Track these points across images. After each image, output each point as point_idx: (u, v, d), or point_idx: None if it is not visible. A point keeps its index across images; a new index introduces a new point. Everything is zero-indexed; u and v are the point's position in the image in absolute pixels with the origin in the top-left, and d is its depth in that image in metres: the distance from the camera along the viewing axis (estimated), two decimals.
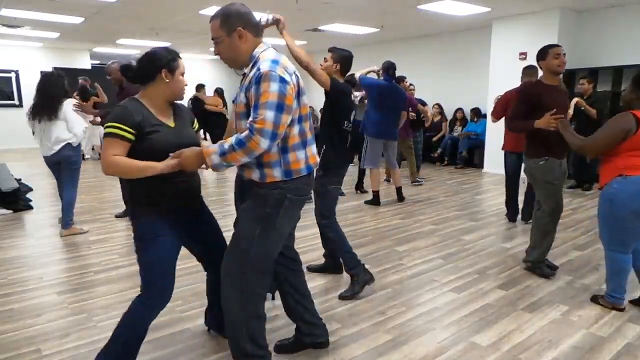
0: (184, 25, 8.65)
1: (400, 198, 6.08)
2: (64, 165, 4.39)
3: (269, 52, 1.91)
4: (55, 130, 4.25)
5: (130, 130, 1.89)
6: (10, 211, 5.38)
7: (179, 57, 2.07)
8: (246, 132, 1.76)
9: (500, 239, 4.43)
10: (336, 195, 3.24)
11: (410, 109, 6.68)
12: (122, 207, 5.20)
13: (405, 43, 10.73)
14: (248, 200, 2.01)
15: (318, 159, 2.11)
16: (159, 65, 1.98)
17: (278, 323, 2.70)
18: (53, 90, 4.25)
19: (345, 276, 3.46)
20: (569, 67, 7.52)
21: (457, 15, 7.80)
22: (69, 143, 4.32)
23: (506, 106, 4.80)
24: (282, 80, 1.79)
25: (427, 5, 7.12)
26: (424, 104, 7.88)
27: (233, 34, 1.88)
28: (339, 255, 3.27)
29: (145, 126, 1.92)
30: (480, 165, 8.77)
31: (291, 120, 1.87)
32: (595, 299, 3.01)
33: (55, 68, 11.13)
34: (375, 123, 5.54)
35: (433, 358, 2.36)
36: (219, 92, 9.79)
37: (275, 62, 1.84)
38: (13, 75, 11.86)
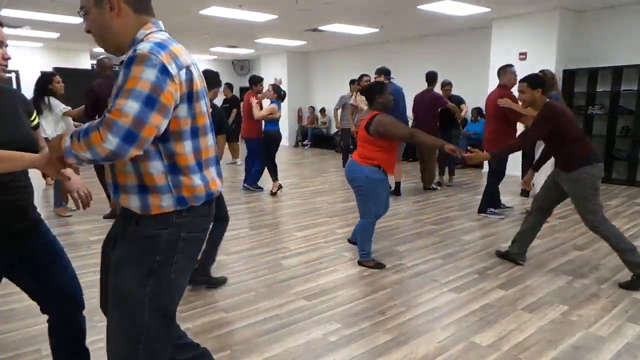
0: (184, 25, 8.66)
1: (397, 192, 6.37)
2: None
3: (159, 35, 1.41)
4: None
5: None
6: None
7: None
8: (97, 121, 1.27)
9: (500, 239, 4.43)
10: None
11: (439, 109, 6.63)
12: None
13: (405, 43, 10.74)
14: (125, 246, 1.46)
15: (220, 184, 1.57)
16: None
17: None
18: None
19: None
20: (569, 67, 7.56)
21: (457, 15, 7.80)
22: None
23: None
24: (163, 71, 1.29)
25: (427, 5, 7.12)
26: (460, 101, 7.40)
27: (102, 3, 1.41)
28: None
29: None
30: (480, 165, 8.78)
31: (178, 134, 1.39)
32: (361, 263, 3.69)
33: (55, 68, 11.13)
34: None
35: (433, 358, 2.36)
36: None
37: (161, 45, 1.34)
38: (13, 75, 11.87)
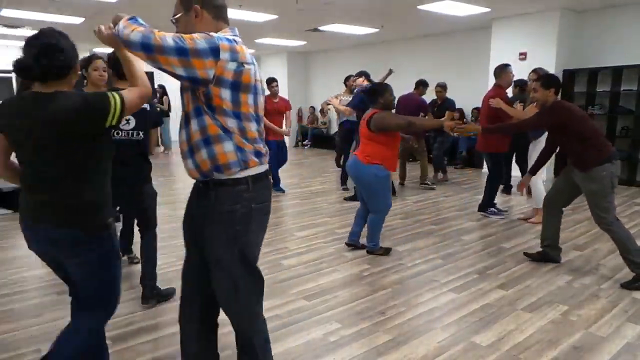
0: None
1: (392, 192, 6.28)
2: None
3: (233, 37, 1.72)
4: None
5: None
6: (10, 211, 5.39)
7: None
8: (144, 26, 1.63)
9: (500, 239, 4.43)
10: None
11: (421, 112, 6.70)
12: None
13: (405, 43, 10.73)
14: (209, 223, 1.78)
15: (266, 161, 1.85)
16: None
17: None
18: None
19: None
20: (569, 67, 7.56)
21: (457, 15, 7.80)
22: None
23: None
24: (214, 50, 1.59)
25: (427, 5, 7.12)
26: (451, 107, 7.42)
27: (189, 12, 1.74)
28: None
29: None
30: (480, 165, 8.78)
31: (221, 110, 1.67)
32: (372, 252, 3.93)
33: None
34: None
35: (433, 358, 2.36)
36: None
37: (228, 40, 1.65)
38: (13, 75, 11.88)
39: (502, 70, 5.02)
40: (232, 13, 7.49)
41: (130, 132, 2.82)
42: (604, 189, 3.26)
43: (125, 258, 3.72)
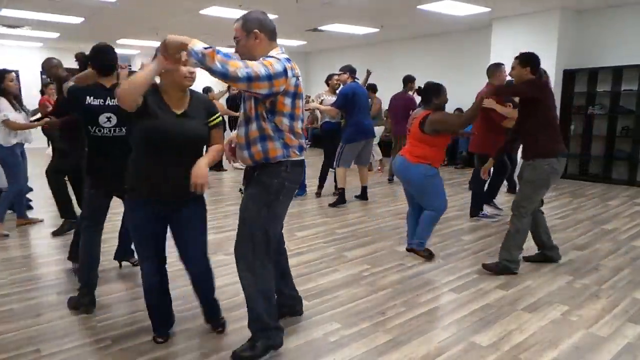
0: (184, 25, 8.65)
1: (364, 197, 6.13)
2: None
3: (284, 55, 2.18)
4: None
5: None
6: (10, 211, 5.38)
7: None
8: (239, 60, 1.96)
9: (500, 239, 4.41)
10: (94, 200, 2.99)
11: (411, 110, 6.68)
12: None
13: (405, 43, 10.74)
14: (253, 187, 2.26)
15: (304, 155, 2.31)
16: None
17: None
18: None
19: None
20: (569, 67, 7.56)
21: (457, 15, 7.80)
22: None
23: None
24: (284, 71, 2.06)
25: (427, 5, 7.13)
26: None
27: (250, 35, 2.15)
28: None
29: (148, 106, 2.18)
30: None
31: (281, 113, 2.14)
32: (414, 251, 3.85)
33: None
34: (357, 125, 5.71)
35: (433, 358, 2.36)
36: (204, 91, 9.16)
37: (289, 60, 2.13)
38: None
39: (496, 69, 4.96)
40: (232, 13, 7.49)
41: (112, 128, 2.81)
42: (539, 181, 3.37)
43: (127, 263, 3.71)
